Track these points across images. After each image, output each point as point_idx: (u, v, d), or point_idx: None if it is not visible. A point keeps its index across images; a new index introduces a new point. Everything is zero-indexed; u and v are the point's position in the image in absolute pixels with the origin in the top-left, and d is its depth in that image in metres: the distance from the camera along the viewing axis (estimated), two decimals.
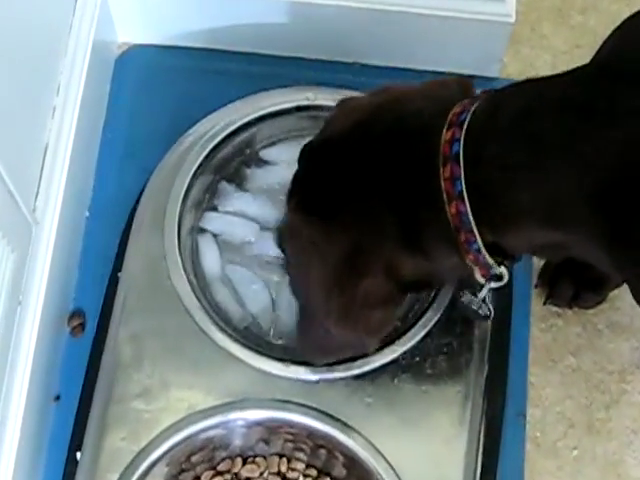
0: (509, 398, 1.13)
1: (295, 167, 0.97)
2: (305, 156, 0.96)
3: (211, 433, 1.06)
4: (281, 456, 1.10)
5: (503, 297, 1.11)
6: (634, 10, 0.89)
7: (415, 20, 1.19)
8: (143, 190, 1.18)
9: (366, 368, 1.07)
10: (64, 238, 1.13)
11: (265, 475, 1.09)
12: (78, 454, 1.08)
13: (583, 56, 0.89)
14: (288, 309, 1.12)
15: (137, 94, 1.27)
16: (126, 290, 1.13)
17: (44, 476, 1.11)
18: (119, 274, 1.15)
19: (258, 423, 1.07)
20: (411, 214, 0.88)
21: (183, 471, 1.08)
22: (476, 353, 1.09)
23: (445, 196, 0.86)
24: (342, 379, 1.07)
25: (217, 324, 1.10)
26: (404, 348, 1.08)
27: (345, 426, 1.05)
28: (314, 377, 1.07)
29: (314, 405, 1.05)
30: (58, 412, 1.13)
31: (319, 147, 0.95)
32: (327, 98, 1.17)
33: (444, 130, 0.87)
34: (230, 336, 1.09)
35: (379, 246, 0.89)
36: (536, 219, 0.85)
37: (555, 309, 1.17)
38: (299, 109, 1.19)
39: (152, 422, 1.05)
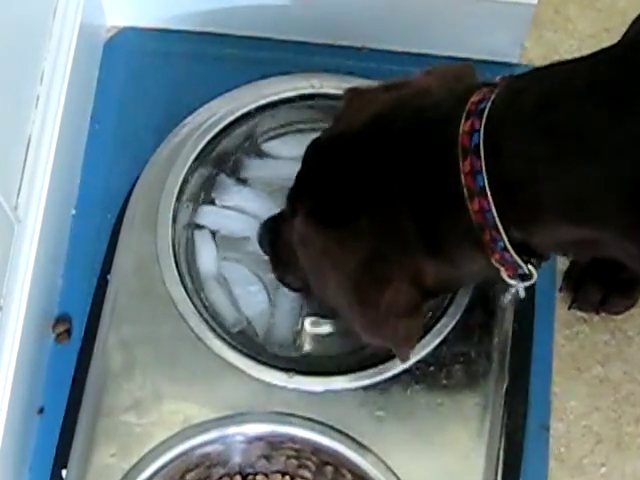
0: (531, 410, 1.11)
1: (299, 162, 0.97)
2: (312, 155, 0.96)
3: (208, 449, 1.05)
4: (284, 474, 1.09)
5: (525, 301, 1.10)
6: None
7: (429, 0, 1.19)
8: (134, 186, 1.17)
9: (377, 378, 1.06)
10: (48, 237, 1.12)
11: None
12: (64, 471, 1.07)
13: (611, 41, 0.87)
14: (285, 315, 1.11)
15: (127, 82, 1.25)
16: (115, 293, 1.11)
17: None
18: (108, 276, 1.14)
19: (259, 438, 1.05)
20: (431, 215, 0.88)
21: None
22: (495, 362, 1.07)
23: (466, 192, 0.85)
24: (350, 390, 1.05)
25: (214, 330, 1.08)
26: (418, 357, 1.06)
27: (353, 441, 1.04)
28: (319, 388, 1.05)
29: (320, 418, 1.04)
30: (42, 426, 1.12)
31: (329, 145, 0.95)
32: (333, 86, 1.16)
33: (462, 120, 0.86)
34: (228, 344, 1.08)
35: (401, 253, 0.89)
36: (563, 214, 0.84)
37: (581, 314, 1.16)
38: (303, 98, 1.18)
39: (144, 437, 1.04)
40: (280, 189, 1.11)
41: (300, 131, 1.17)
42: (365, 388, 1.05)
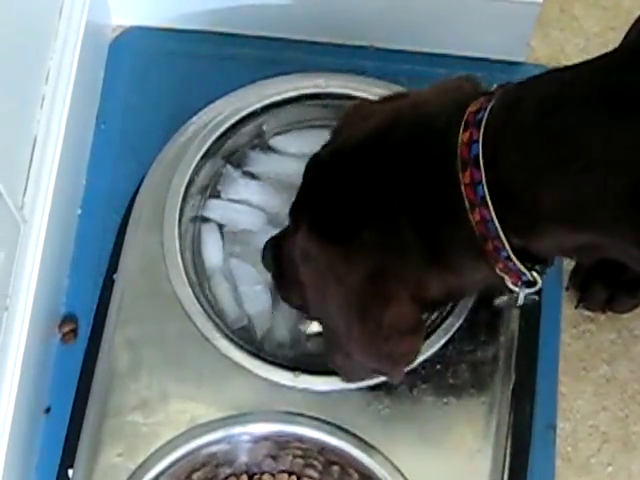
0: (538, 410, 1.11)
1: (306, 159, 0.96)
2: (313, 169, 0.96)
3: (214, 448, 1.05)
4: (290, 473, 1.08)
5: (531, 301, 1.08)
6: None
7: (435, 0, 1.19)
8: (140, 185, 1.16)
9: (383, 378, 1.04)
10: (54, 237, 1.12)
11: None
12: (70, 471, 1.07)
13: (617, 40, 0.87)
14: (286, 316, 1.10)
15: (133, 81, 1.25)
16: (122, 293, 1.11)
17: None
18: (114, 276, 1.14)
19: (265, 437, 1.05)
20: (434, 227, 0.88)
21: None
22: (502, 361, 1.07)
23: (467, 203, 0.85)
24: (357, 390, 1.05)
25: (221, 330, 1.08)
26: (424, 356, 1.05)
27: (360, 441, 1.03)
28: (326, 388, 1.05)
29: (326, 418, 1.04)
30: (48, 426, 1.12)
31: (330, 159, 0.94)
32: (340, 85, 1.16)
33: (461, 131, 0.86)
34: (235, 343, 1.07)
35: (404, 268, 0.89)
36: (565, 220, 0.84)
37: (588, 313, 1.16)
38: (309, 97, 1.17)
39: (150, 437, 1.04)
40: (286, 184, 1.12)
41: (308, 127, 1.17)
42: (371, 388, 1.04)
